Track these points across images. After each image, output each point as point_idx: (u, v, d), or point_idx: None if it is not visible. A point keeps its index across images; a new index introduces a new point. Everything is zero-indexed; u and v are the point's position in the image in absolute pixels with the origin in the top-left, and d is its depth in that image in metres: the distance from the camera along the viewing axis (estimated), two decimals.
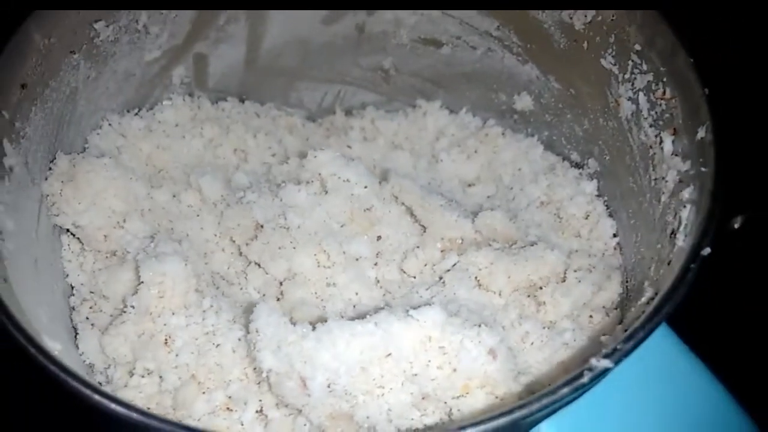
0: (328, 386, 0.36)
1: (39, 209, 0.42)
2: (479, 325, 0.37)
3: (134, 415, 0.26)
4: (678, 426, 0.31)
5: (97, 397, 0.26)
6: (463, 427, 0.26)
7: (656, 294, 0.32)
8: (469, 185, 0.53)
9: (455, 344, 0.36)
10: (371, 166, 0.52)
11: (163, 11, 0.47)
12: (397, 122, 0.58)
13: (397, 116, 0.58)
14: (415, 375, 0.36)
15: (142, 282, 0.41)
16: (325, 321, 0.38)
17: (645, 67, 0.41)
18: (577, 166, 0.51)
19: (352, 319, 0.39)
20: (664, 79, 0.39)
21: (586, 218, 0.48)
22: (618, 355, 0.28)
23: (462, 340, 0.36)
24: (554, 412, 0.29)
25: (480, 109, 0.56)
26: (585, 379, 0.27)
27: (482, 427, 0.26)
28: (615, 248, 0.46)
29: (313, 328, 0.38)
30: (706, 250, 0.30)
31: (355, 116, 0.59)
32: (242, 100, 0.56)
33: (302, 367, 0.37)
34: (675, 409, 0.31)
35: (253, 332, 0.38)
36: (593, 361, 0.28)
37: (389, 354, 0.36)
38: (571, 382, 0.27)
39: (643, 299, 0.34)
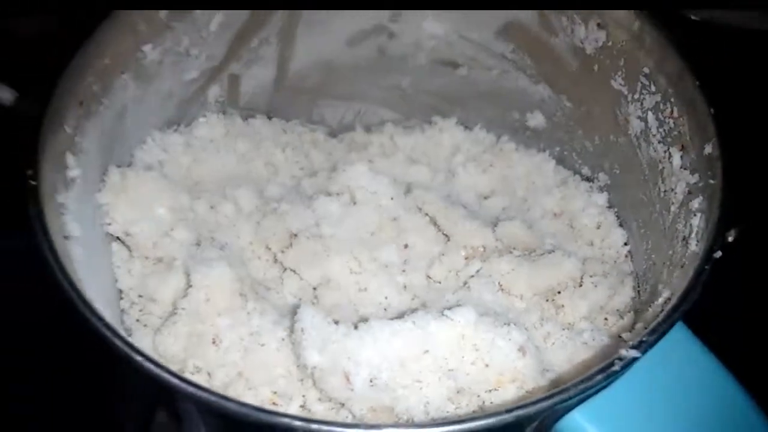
0: (370, 381, 0.39)
1: (94, 218, 0.45)
2: (508, 324, 0.40)
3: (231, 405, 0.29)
4: (692, 415, 0.35)
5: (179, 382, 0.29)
6: (511, 410, 0.29)
7: (672, 294, 0.36)
8: (485, 198, 0.57)
9: (487, 342, 0.39)
10: (392, 180, 0.55)
11: (203, 34, 0.51)
12: (414, 138, 0.61)
13: (414, 132, 0.61)
14: (451, 370, 0.39)
15: (191, 286, 0.44)
16: (366, 321, 0.41)
17: (653, 88, 0.45)
18: (588, 179, 0.54)
19: (366, 318, 0.42)
20: (672, 100, 0.43)
21: (598, 228, 0.51)
22: (645, 346, 0.31)
23: (494, 338, 0.39)
24: (586, 399, 0.32)
25: (494, 125, 0.59)
26: (616, 367, 0.31)
27: (529, 409, 0.29)
28: (626, 256, 0.50)
29: (355, 327, 0.41)
30: (718, 253, 0.34)
31: (374, 132, 0.62)
32: (270, 117, 0.60)
33: (346, 364, 0.40)
34: (690, 398, 0.34)
35: (298, 332, 0.41)
36: (623, 352, 0.31)
37: (427, 351, 0.40)
38: (605, 370, 0.31)
39: (661, 299, 0.37)
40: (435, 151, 0.61)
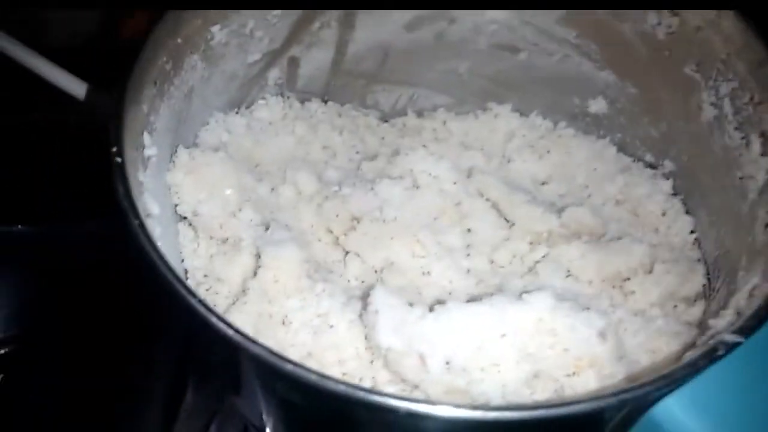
0: (446, 364, 0.39)
1: (165, 198, 0.45)
2: (588, 309, 0.40)
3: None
4: None
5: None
6: (617, 393, 0.29)
7: (761, 281, 0.35)
8: (542, 184, 0.56)
9: (566, 326, 0.39)
10: (454, 165, 0.55)
11: (268, 17, 0.50)
12: (467, 124, 0.61)
13: (467, 118, 0.61)
14: (529, 354, 0.39)
15: (260, 266, 0.44)
16: (442, 303, 0.41)
17: (730, 75, 0.44)
18: (652, 166, 0.54)
19: (444, 301, 0.42)
20: (752, 86, 0.43)
21: (663, 215, 0.51)
22: (747, 331, 0.31)
23: (573, 322, 0.39)
24: (682, 385, 0.32)
25: (551, 111, 0.59)
26: (721, 352, 0.30)
27: (634, 393, 0.29)
28: (693, 243, 0.49)
29: (431, 310, 0.41)
30: None
31: (426, 118, 0.62)
32: (325, 101, 0.59)
33: (421, 346, 0.40)
34: None
35: (372, 313, 0.41)
36: (726, 337, 0.31)
37: (504, 334, 0.39)
38: (708, 355, 0.30)
39: (748, 286, 0.37)
40: (489, 137, 0.60)
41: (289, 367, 0.29)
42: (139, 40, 0.42)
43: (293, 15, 0.51)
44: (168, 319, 0.74)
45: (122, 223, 0.34)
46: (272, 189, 0.51)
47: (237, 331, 0.30)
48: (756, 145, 0.42)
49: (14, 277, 0.76)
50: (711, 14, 0.45)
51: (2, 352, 0.71)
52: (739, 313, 0.35)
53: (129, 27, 0.81)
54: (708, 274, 0.47)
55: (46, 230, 0.78)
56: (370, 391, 0.30)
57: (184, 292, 0.31)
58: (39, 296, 0.75)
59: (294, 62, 0.55)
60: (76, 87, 0.48)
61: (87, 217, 0.77)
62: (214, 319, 0.31)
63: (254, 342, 0.30)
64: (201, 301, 0.31)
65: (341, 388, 0.29)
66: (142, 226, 0.34)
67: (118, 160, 0.36)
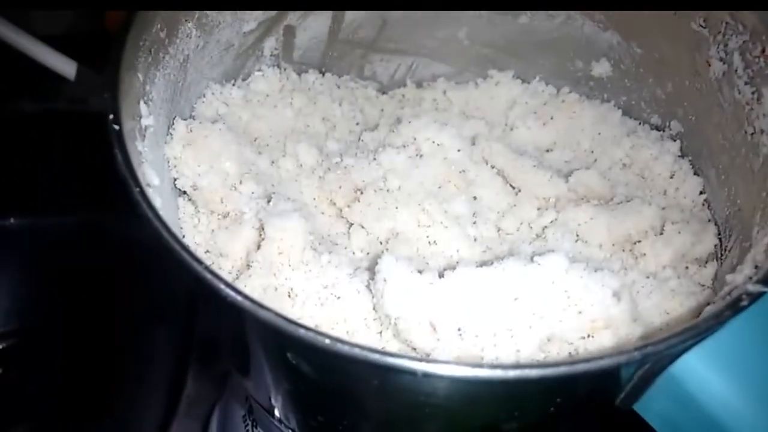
0: (458, 330, 0.38)
1: (164, 170, 0.44)
2: (601, 270, 0.39)
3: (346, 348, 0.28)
4: None
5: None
6: (640, 347, 0.28)
7: None
8: (547, 151, 0.55)
9: (580, 288, 0.38)
10: (458, 132, 0.54)
11: None
12: (468, 93, 0.59)
13: (467, 87, 0.60)
14: (543, 317, 0.38)
15: (263, 239, 0.43)
16: (452, 269, 0.40)
17: (740, 28, 0.43)
18: (658, 128, 0.53)
19: (453, 267, 0.41)
20: (763, 38, 0.42)
21: (672, 177, 0.50)
22: None
23: (587, 283, 0.38)
24: (704, 339, 0.31)
25: (553, 77, 0.58)
26: (745, 302, 0.29)
27: (656, 347, 0.28)
28: (703, 204, 0.48)
29: (440, 276, 0.40)
30: None
31: (425, 88, 0.61)
32: (322, 73, 0.58)
33: (432, 313, 0.39)
34: None
35: (380, 282, 0.40)
36: (749, 287, 0.30)
37: (517, 298, 0.39)
38: (732, 306, 0.29)
39: (765, 240, 0.36)
40: (490, 105, 0.59)
41: (302, 331, 0.28)
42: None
43: None
44: (167, 306, 0.74)
45: (122, 192, 0.33)
46: (272, 162, 0.50)
47: (246, 296, 0.29)
48: None
49: (11, 271, 0.76)
50: None
51: (1, 346, 0.71)
52: (757, 267, 0.34)
53: (114, 18, 0.80)
54: (719, 234, 0.46)
55: (42, 223, 0.78)
56: (386, 353, 0.29)
57: (190, 259, 0.30)
58: (36, 290, 0.75)
59: (290, 31, 0.54)
60: (66, 66, 0.46)
61: (82, 209, 0.77)
62: (222, 286, 0.30)
63: (263, 306, 0.29)
64: (208, 268, 0.30)
65: (356, 351, 0.28)
66: (143, 193, 0.33)
67: (116, 127, 0.35)
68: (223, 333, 0.41)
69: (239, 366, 0.46)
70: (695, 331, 0.29)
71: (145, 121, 0.40)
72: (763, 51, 0.42)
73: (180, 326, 0.74)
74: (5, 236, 0.76)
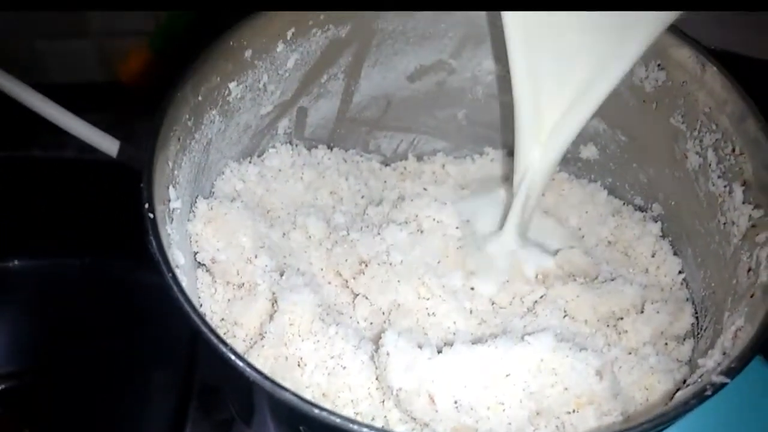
0: (455, 403, 0.42)
1: (186, 247, 0.47)
2: (585, 349, 0.43)
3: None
4: None
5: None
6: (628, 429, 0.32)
7: (746, 322, 0.38)
8: None
9: (566, 366, 0.42)
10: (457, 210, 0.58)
11: (280, 71, 0.53)
12: (465, 167, 0.64)
13: (464, 162, 0.65)
14: (532, 393, 0.42)
15: (276, 311, 0.47)
16: (450, 345, 0.43)
17: (714, 127, 0.48)
18: (641, 209, 0.57)
19: (451, 342, 0.45)
20: (734, 139, 0.46)
21: (653, 256, 0.54)
22: (733, 373, 0.34)
23: (572, 362, 0.42)
24: (674, 422, 0.35)
25: None
26: (709, 392, 0.33)
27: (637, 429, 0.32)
28: (681, 283, 0.52)
29: (439, 351, 0.43)
30: None
31: (425, 162, 0.65)
32: (330, 148, 0.62)
33: (430, 386, 0.42)
34: (763, 422, 0.37)
35: (383, 355, 0.44)
36: (714, 378, 0.34)
37: (508, 374, 0.42)
38: (698, 396, 0.33)
39: (733, 327, 0.40)
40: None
41: (316, 411, 0.32)
42: (157, 95, 0.45)
43: (303, 69, 0.55)
44: (167, 350, 0.76)
45: (157, 274, 0.37)
46: (284, 234, 0.54)
47: (270, 379, 0.33)
48: (738, 193, 0.46)
49: (13, 312, 0.77)
50: (696, 70, 0.49)
51: (1, 387, 0.73)
52: (725, 353, 0.38)
53: (126, 69, 0.85)
54: (696, 313, 0.50)
55: (44, 266, 0.81)
56: None
57: (220, 344, 0.34)
58: (37, 332, 0.77)
59: (302, 112, 0.59)
60: (109, 144, 0.50)
61: (84, 253, 0.79)
62: (249, 370, 0.33)
63: (283, 388, 0.33)
64: (236, 353, 0.34)
65: (364, 430, 0.32)
66: (174, 278, 0.37)
67: (151, 215, 0.39)
68: (240, 401, 0.44)
69: (244, 419, 0.49)
70: (665, 417, 0.33)
71: (173, 205, 0.44)
72: (733, 150, 0.46)
73: (180, 371, 0.75)
74: (8, 278, 0.79)
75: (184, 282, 0.41)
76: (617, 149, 0.57)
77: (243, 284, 0.50)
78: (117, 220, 0.77)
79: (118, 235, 0.77)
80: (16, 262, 0.77)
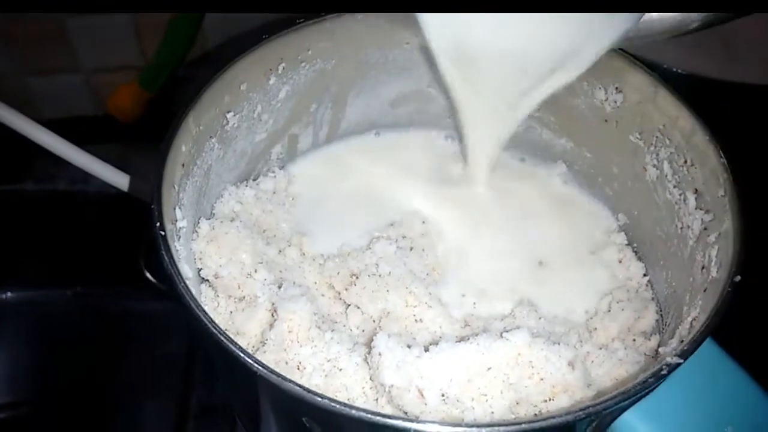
0: (442, 396, 0.46)
1: (191, 263, 0.52)
2: (558, 343, 0.47)
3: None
4: (720, 411, 0.42)
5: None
6: (584, 408, 0.36)
7: (700, 313, 0.43)
8: None
9: (541, 359, 0.46)
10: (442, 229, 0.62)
11: (272, 102, 0.58)
12: None
13: None
14: (511, 384, 0.46)
15: (276, 320, 0.51)
16: (436, 344, 0.48)
17: (668, 142, 0.53)
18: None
19: (437, 342, 0.49)
20: (685, 152, 0.51)
21: (620, 262, 0.59)
22: (686, 354, 0.38)
23: (546, 354, 0.46)
24: (636, 401, 0.39)
25: None
26: (665, 371, 0.38)
27: (599, 407, 0.36)
28: (646, 285, 0.57)
29: (426, 350, 0.48)
30: (738, 278, 0.42)
31: None
32: None
33: (419, 381, 0.46)
34: (717, 397, 0.42)
35: (375, 356, 0.48)
36: (668, 359, 0.38)
37: (490, 368, 0.46)
38: (656, 374, 0.38)
39: (689, 318, 0.45)
40: None
41: (318, 399, 0.36)
42: (147, 127, 0.49)
43: (294, 99, 0.60)
44: (162, 377, 0.79)
45: (169, 287, 0.41)
46: (280, 251, 0.58)
47: (276, 373, 0.37)
48: (691, 200, 0.51)
49: (7, 343, 0.80)
50: (649, 91, 0.54)
51: None
52: (682, 341, 0.42)
53: (115, 103, 0.89)
54: (660, 310, 0.54)
55: (38, 297, 0.83)
56: (385, 415, 0.37)
57: (227, 342, 0.38)
58: (32, 363, 0.79)
59: (294, 138, 0.63)
60: (120, 179, 0.55)
61: (77, 283, 0.82)
62: (255, 364, 0.37)
63: (293, 382, 0.37)
64: (243, 350, 0.38)
65: (362, 414, 0.36)
66: (186, 287, 0.41)
67: (162, 233, 0.43)
68: (244, 400, 0.48)
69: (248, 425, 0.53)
70: (627, 395, 0.37)
71: (179, 224, 0.48)
72: (686, 162, 0.51)
73: (175, 396, 0.77)
74: (1, 309, 0.81)
75: (194, 293, 0.45)
76: (584, 165, 0.62)
77: (244, 297, 0.54)
78: (107, 249, 0.81)
79: (108, 264, 0.80)
80: (9, 294, 0.80)
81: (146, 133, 0.91)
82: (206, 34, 0.89)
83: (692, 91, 0.53)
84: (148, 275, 0.67)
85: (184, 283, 0.41)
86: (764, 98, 0.66)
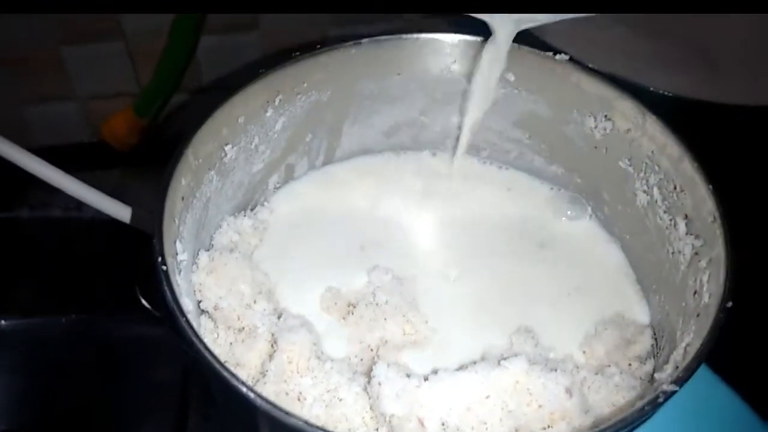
0: (442, 424, 0.47)
1: (192, 296, 0.52)
2: (555, 370, 0.48)
3: None
4: None
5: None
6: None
7: (694, 338, 0.44)
8: None
9: (539, 386, 0.47)
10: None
11: (269, 133, 0.59)
12: None
13: None
14: (510, 411, 0.47)
15: (275, 350, 0.51)
16: (435, 372, 0.48)
17: (657, 168, 0.54)
18: None
19: (436, 371, 0.50)
20: (674, 178, 0.53)
21: (614, 287, 0.60)
22: (681, 381, 0.39)
23: (544, 382, 0.47)
24: (635, 427, 0.40)
25: None
26: (661, 399, 0.38)
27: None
28: (641, 310, 0.58)
29: (426, 379, 0.48)
30: (729, 303, 0.43)
31: None
32: None
33: (420, 411, 0.47)
34: (712, 421, 0.42)
35: (375, 385, 0.49)
36: (664, 386, 0.39)
37: (488, 396, 0.47)
38: (652, 402, 0.38)
39: (683, 343, 0.45)
40: None
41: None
42: (142, 154, 0.50)
43: (290, 130, 0.60)
44: (157, 403, 0.79)
45: (171, 322, 0.41)
46: (278, 281, 0.59)
47: (283, 410, 0.38)
48: (681, 225, 0.52)
49: (1, 371, 0.79)
50: (638, 119, 0.55)
51: None
52: (677, 367, 0.43)
53: (111, 131, 0.90)
54: (654, 335, 0.55)
55: (32, 324, 0.83)
56: None
57: (236, 382, 0.39)
58: (27, 390, 0.79)
59: (290, 168, 0.64)
60: (122, 211, 0.55)
61: (70, 310, 0.82)
62: (260, 401, 0.38)
63: (295, 416, 0.37)
64: (248, 386, 0.38)
65: None
66: (188, 323, 0.41)
67: (164, 268, 0.43)
68: (238, 429, 0.48)
69: None
70: (624, 422, 0.38)
71: (180, 257, 0.49)
72: (675, 188, 0.52)
73: (170, 423, 0.77)
74: None
75: (195, 326, 0.46)
76: (575, 190, 0.63)
77: (243, 328, 0.55)
78: (102, 276, 0.81)
79: (103, 291, 0.81)
80: (3, 322, 0.79)
81: (141, 161, 0.93)
82: (200, 61, 0.90)
83: (675, 112, 0.54)
84: (144, 302, 0.67)
85: (187, 318, 0.41)
86: (747, 118, 0.67)
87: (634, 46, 0.80)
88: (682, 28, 0.82)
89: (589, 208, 0.63)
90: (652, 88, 0.64)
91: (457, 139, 0.64)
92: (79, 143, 0.96)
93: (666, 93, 0.64)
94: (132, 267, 0.66)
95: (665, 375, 0.44)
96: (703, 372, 0.42)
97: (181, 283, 0.48)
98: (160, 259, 0.44)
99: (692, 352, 0.41)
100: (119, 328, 0.80)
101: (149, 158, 0.94)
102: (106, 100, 0.92)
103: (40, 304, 0.82)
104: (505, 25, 0.54)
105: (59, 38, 0.85)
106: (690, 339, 0.45)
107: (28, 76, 0.89)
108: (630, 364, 0.54)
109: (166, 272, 0.43)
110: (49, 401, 0.78)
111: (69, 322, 0.81)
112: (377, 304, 0.57)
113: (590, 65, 0.57)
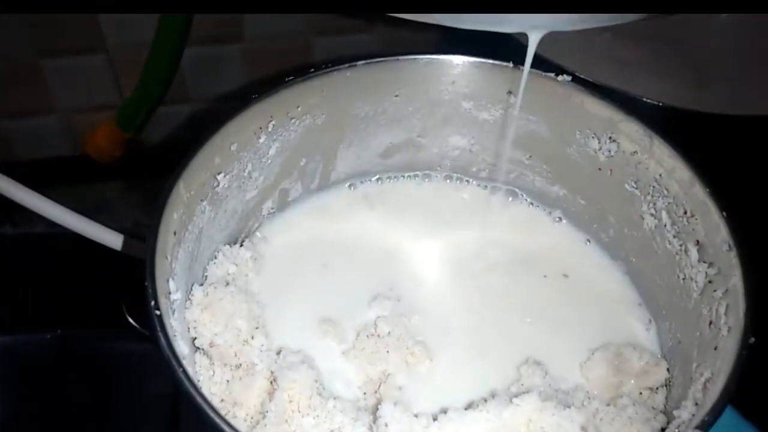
0: None
1: (186, 334, 0.50)
2: (569, 407, 0.46)
3: None
4: None
5: None
6: None
7: (714, 374, 0.42)
8: None
9: (553, 424, 0.45)
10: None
11: (263, 159, 0.57)
12: None
13: None
14: None
15: (276, 389, 0.49)
16: (444, 412, 0.46)
17: (665, 192, 0.53)
18: None
19: (444, 409, 0.48)
20: (684, 203, 0.51)
21: (622, 311, 0.58)
22: (707, 426, 0.37)
23: (558, 420, 0.45)
24: None
25: None
26: None
27: None
28: (652, 338, 0.56)
29: (434, 419, 0.46)
30: (752, 339, 0.41)
31: None
32: None
33: None
34: None
35: (381, 426, 0.47)
36: (690, 431, 0.37)
37: None
38: None
39: (702, 378, 0.44)
40: None
41: None
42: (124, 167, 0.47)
43: (284, 155, 0.58)
44: (147, 419, 0.76)
45: (167, 370, 0.39)
46: (277, 314, 0.56)
47: None
48: (693, 252, 0.50)
49: None
50: (644, 141, 0.53)
51: None
52: (697, 404, 0.41)
53: (93, 144, 0.88)
54: (666, 363, 0.54)
55: (18, 340, 0.81)
56: None
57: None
58: (15, 407, 0.76)
59: (284, 193, 0.62)
60: (113, 239, 0.53)
61: (57, 326, 0.80)
62: None
63: None
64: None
65: None
66: (185, 372, 0.39)
67: (158, 312, 0.41)
68: None
69: None
70: None
71: (173, 296, 0.46)
72: (685, 212, 0.51)
73: None
74: None
75: (190, 371, 0.43)
76: (578, 212, 0.62)
77: (240, 364, 0.52)
78: (87, 292, 0.80)
79: (89, 306, 0.79)
80: None
81: (125, 173, 0.91)
82: (185, 72, 0.87)
83: (663, 122, 0.53)
84: (131, 320, 0.65)
85: (183, 367, 0.39)
86: (735, 128, 0.66)
87: (620, 53, 0.79)
88: (670, 36, 0.81)
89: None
90: (636, 96, 0.62)
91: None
92: (60, 157, 0.94)
93: (651, 101, 0.63)
94: (118, 284, 0.64)
95: (686, 413, 0.42)
96: (727, 412, 0.40)
97: (174, 324, 0.45)
98: (153, 303, 0.42)
99: (715, 390, 0.40)
100: (107, 343, 0.79)
101: (133, 171, 0.93)
102: (88, 113, 0.90)
103: (25, 320, 0.80)
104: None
105: (39, 50, 0.83)
106: (709, 375, 0.43)
107: (8, 90, 0.86)
108: (641, 393, 0.53)
109: (160, 317, 0.41)
110: (37, 419, 0.76)
111: (54, 338, 0.79)
112: (379, 336, 0.55)
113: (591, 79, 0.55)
